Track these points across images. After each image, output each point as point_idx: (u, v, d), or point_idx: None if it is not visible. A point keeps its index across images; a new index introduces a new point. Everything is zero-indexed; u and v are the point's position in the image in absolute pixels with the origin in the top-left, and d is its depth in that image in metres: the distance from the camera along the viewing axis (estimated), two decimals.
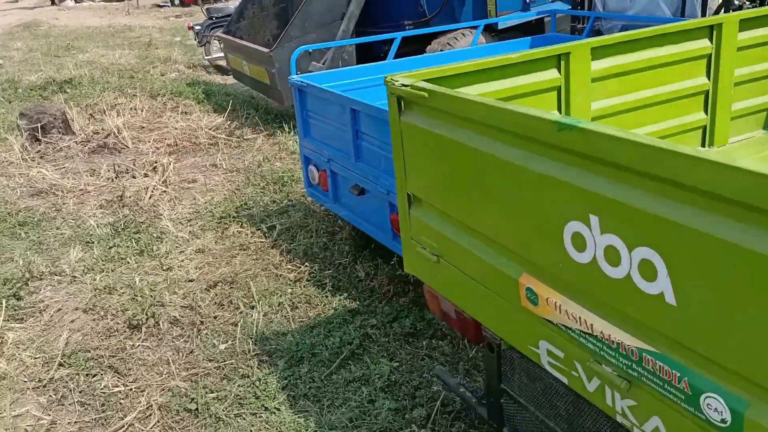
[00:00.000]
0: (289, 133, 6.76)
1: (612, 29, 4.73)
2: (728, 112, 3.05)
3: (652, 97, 2.89)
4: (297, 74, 4.30)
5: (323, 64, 6.54)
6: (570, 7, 7.38)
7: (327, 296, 3.79)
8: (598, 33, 4.88)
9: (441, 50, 6.74)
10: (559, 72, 2.64)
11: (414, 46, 7.80)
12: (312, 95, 3.98)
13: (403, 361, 3.22)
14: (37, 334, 3.53)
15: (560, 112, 2.69)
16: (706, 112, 3.03)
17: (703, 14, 4.10)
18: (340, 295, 3.78)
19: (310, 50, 6.58)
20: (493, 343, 2.20)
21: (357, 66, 4.45)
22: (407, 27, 7.06)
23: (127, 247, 4.45)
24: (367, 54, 6.82)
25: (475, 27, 7.05)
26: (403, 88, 2.16)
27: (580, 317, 1.71)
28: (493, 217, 1.94)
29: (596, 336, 1.67)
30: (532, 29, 7.26)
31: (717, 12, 3.99)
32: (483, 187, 1.95)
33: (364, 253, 4.19)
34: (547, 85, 2.64)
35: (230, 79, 10.27)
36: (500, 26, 6.88)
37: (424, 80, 2.21)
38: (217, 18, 10.96)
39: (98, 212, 5.02)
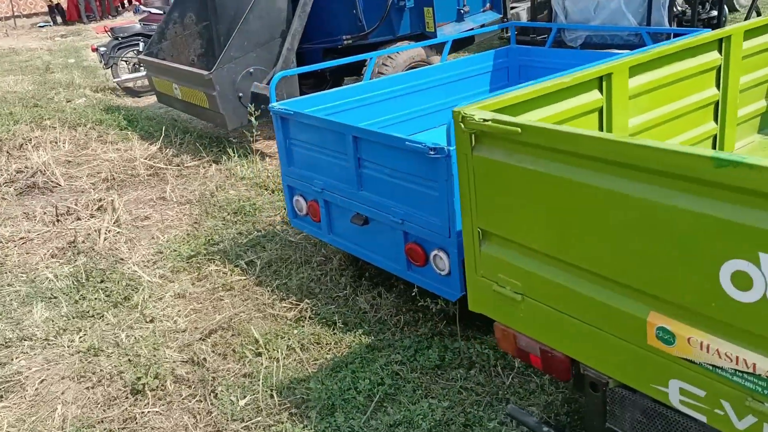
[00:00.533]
0: (234, 157, 6.40)
1: (575, 40, 4.78)
2: (735, 119, 3.12)
3: (675, 111, 2.90)
4: (274, 101, 4.03)
5: (268, 84, 6.25)
6: (501, 16, 7.50)
7: (336, 334, 3.57)
8: (561, 44, 4.93)
9: (384, 63, 6.62)
10: (601, 92, 2.58)
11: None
12: (299, 123, 3.74)
13: (441, 397, 3.06)
14: (25, 413, 3.09)
15: (602, 130, 2.64)
16: (716, 121, 3.09)
17: (670, 23, 4.22)
18: (350, 332, 3.57)
19: (251, 70, 6.30)
20: (598, 382, 2.10)
21: (336, 89, 4.25)
22: (345, 41, 6.88)
23: (98, 299, 4.02)
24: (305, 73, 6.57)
25: (415, 38, 7.02)
26: (486, 123, 2.02)
27: (737, 356, 1.63)
28: (610, 255, 1.84)
29: (759, 375, 1.60)
30: (463, 40, 7.29)
31: (748, 17, 4.08)
32: (597, 225, 1.84)
33: (362, 282, 3.99)
34: (591, 107, 2.57)
35: (143, 101, 9.69)
36: (440, 38, 6.84)
37: (488, 110, 2.09)
38: (123, 38, 10.32)
39: (51, 262, 4.51)
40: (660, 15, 4.22)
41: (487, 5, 7.35)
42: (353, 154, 3.41)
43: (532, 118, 2.37)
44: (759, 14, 4.75)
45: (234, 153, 6.48)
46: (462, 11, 7.02)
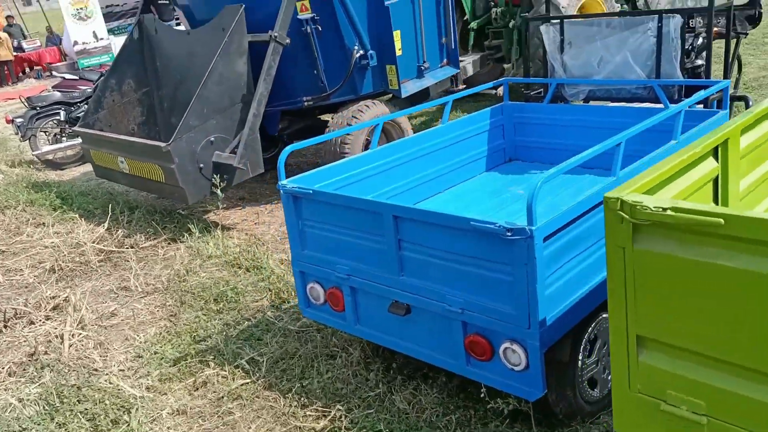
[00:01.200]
0: (195, 233, 5.75)
1: (577, 95, 4.56)
2: None
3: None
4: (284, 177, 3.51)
5: (234, 153, 5.69)
6: (458, 71, 7.30)
7: None
8: (561, 99, 4.69)
9: (349, 123, 6.21)
10: (717, 160, 2.27)
11: (306, 122, 7.22)
12: (318, 203, 3.24)
13: None
14: None
15: (716, 203, 2.32)
16: None
17: (683, 74, 4.07)
18: None
19: (212, 139, 5.73)
20: None
21: (342, 161, 3.79)
22: (305, 103, 6.44)
23: (80, 427, 3.28)
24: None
25: (379, 95, 6.67)
26: (666, 213, 1.62)
27: None
28: None
29: None
30: (422, 95, 7.00)
31: (726, 72, 3.88)
32: None
33: (394, 377, 3.47)
34: (708, 177, 2.25)
35: (68, 174, 8.84)
36: (403, 95, 6.54)
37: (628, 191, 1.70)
38: (41, 107, 9.43)
39: (11, 383, 3.70)
40: (671, 67, 4.06)
41: (444, 60, 7.14)
42: (392, 235, 2.94)
43: (659, 198, 2.00)
44: (740, 65, 4.69)
45: (195, 228, 5.82)
46: (422, 68, 6.76)
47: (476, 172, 4.53)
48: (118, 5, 23.74)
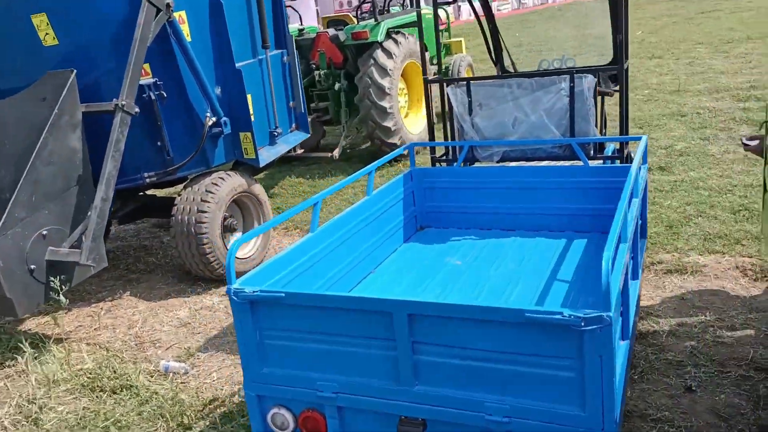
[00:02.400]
0: (26, 353, 4.46)
1: (492, 156, 4.36)
2: None
3: None
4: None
5: (76, 248, 4.56)
6: (308, 135, 6.84)
7: None
8: (474, 161, 4.45)
9: (204, 200, 5.40)
10: None
11: (138, 202, 6.18)
12: (290, 307, 2.54)
13: None
14: None
15: None
16: None
17: (601, 132, 4.07)
18: None
19: (45, 232, 4.56)
20: None
21: (281, 254, 3.09)
22: (148, 179, 5.49)
23: None
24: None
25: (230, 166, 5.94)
26: None
27: None
28: None
29: None
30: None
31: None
32: None
33: None
34: None
35: None
36: (261, 163, 5.91)
37: None
38: None
39: None
40: (586, 125, 4.06)
41: (294, 125, 6.66)
42: (405, 338, 2.37)
43: None
44: (605, 121, 4.90)
45: (25, 346, 4.52)
46: (275, 133, 6.21)
47: (395, 246, 4.09)
48: None
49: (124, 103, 4.65)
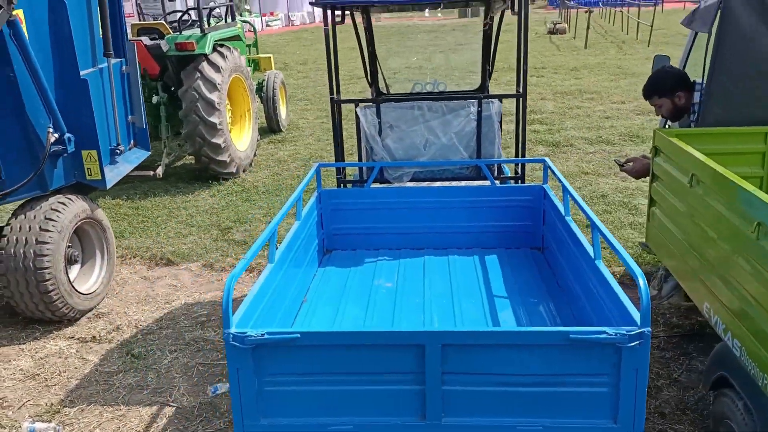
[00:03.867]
0: None
1: (401, 177, 4.29)
2: None
3: None
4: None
5: None
6: (149, 152, 6.18)
7: None
8: (385, 181, 4.34)
9: (44, 229, 4.60)
10: None
11: None
12: (302, 348, 2.26)
13: None
14: None
15: None
16: None
17: (498, 154, 4.23)
18: None
19: None
20: None
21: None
22: None
23: None
24: None
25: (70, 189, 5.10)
26: None
27: None
28: None
29: None
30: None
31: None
32: None
33: None
34: None
35: None
36: (108, 185, 5.18)
37: None
38: None
39: None
40: (492, 147, 4.23)
41: (132, 142, 5.96)
42: (436, 369, 2.28)
43: None
44: None
45: None
46: (117, 151, 5.50)
47: (313, 271, 3.88)
48: None
49: None
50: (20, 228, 4.61)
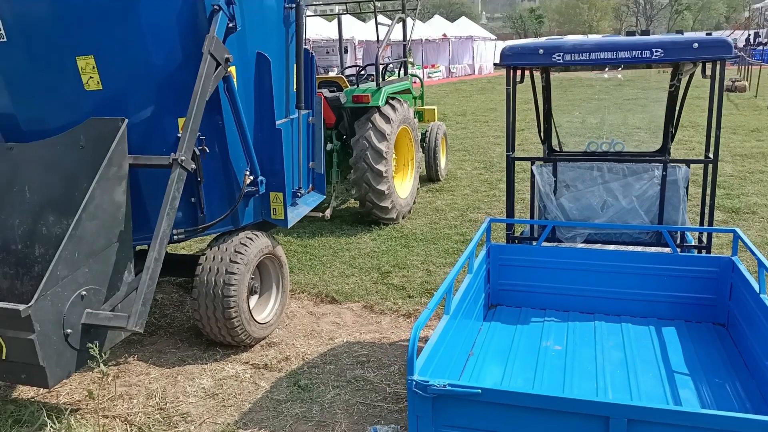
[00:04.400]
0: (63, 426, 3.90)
1: (575, 238, 4.30)
2: None
3: None
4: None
5: (118, 312, 4.09)
6: (324, 197, 6.62)
7: None
8: (556, 241, 4.38)
9: (233, 261, 5.04)
10: None
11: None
12: (483, 404, 2.32)
13: None
14: None
15: None
16: None
17: (683, 221, 4.11)
18: None
19: (84, 293, 4.10)
20: None
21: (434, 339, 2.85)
22: (175, 236, 5.08)
23: None
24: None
25: (256, 226, 5.58)
26: None
27: None
28: None
29: None
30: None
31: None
32: None
33: None
34: None
35: None
36: (288, 225, 5.61)
37: None
38: None
39: None
40: (676, 213, 4.11)
41: (310, 186, 6.42)
42: None
43: None
44: None
45: (52, 423, 3.95)
46: (298, 194, 5.96)
47: (478, 325, 3.94)
48: None
49: (182, 158, 4.31)
50: (213, 258, 5.10)
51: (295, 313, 6.11)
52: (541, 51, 3.81)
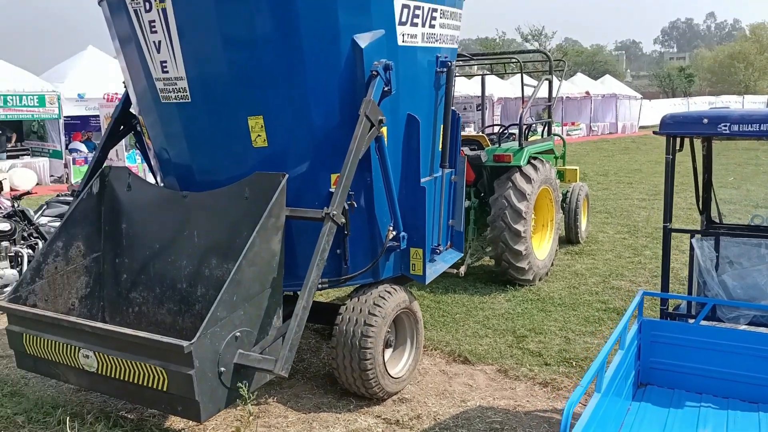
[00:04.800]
0: None
1: (738, 318, 4.06)
2: None
3: None
4: None
5: (265, 355, 4.33)
6: (462, 254, 6.65)
7: None
8: (716, 320, 4.15)
9: (371, 313, 5.15)
10: None
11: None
12: None
13: None
14: None
15: None
16: None
17: None
18: None
19: (238, 334, 4.36)
20: None
21: None
22: (319, 286, 5.30)
23: None
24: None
25: (395, 281, 5.69)
26: None
27: None
28: None
29: None
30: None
31: None
32: None
33: None
34: None
35: None
36: (427, 281, 5.69)
37: None
38: None
39: None
40: None
41: (449, 243, 6.49)
42: None
43: None
44: None
45: None
46: (436, 251, 6.03)
47: (626, 404, 3.74)
48: None
49: (334, 213, 4.55)
50: (353, 309, 5.27)
51: (427, 370, 6.11)
52: (705, 120, 3.67)
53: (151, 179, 6.22)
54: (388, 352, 5.66)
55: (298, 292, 5.47)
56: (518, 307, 7.76)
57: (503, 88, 31.56)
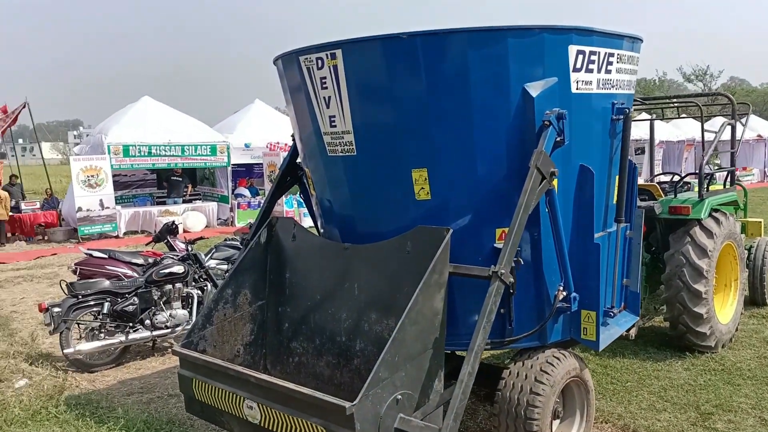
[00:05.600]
0: None
1: None
2: None
3: None
4: None
5: (428, 423, 4.09)
6: (638, 318, 6.04)
7: None
8: None
9: (538, 380, 4.73)
10: None
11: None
12: None
13: None
14: None
15: None
16: None
17: None
18: None
19: (399, 396, 4.15)
20: None
21: None
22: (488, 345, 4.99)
23: None
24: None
25: (562, 345, 5.24)
26: None
27: None
28: None
29: None
30: None
31: None
32: None
33: None
34: None
35: (100, 380, 6.94)
36: (600, 347, 5.16)
37: None
38: (83, 296, 7.76)
39: None
40: None
41: (623, 304, 5.91)
42: None
43: None
44: None
45: None
46: (610, 314, 5.49)
47: None
48: (125, 175, 22.98)
49: (502, 271, 4.27)
50: (518, 374, 4.89)
51: None
52: None
53: (306, 223, 6.33)
54: (556, 423, 5.19)
55: (456, 351, 5.27)
56: (700, 377, 6.91)
57: (665, 130, 29.64)
